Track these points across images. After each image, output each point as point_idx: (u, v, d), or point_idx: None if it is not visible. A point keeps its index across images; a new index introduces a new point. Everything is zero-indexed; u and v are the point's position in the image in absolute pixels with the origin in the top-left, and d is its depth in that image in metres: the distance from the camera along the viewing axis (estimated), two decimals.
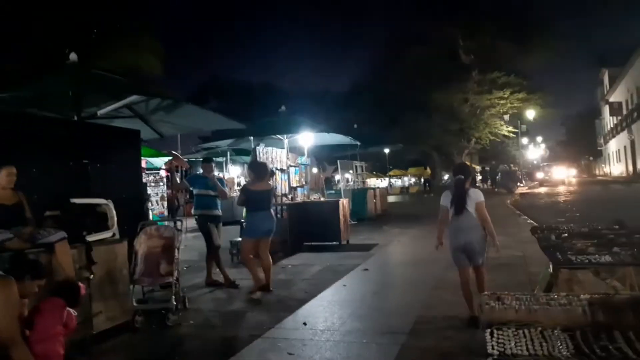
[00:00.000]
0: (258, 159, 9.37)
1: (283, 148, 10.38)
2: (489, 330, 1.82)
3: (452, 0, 39.33)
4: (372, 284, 6.19)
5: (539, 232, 3.60)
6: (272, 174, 7.30)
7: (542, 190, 27.29)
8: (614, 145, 49.44)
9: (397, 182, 56.66)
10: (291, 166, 10.51)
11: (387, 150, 42.65)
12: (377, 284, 6.17)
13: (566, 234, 3.42)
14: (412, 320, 4.42)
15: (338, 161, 14.22)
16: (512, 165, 44.54)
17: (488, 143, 40.80)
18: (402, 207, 22.44)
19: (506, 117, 38.50)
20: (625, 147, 43.07)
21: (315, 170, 13.46)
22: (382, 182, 54.08)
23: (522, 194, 24.80)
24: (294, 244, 8.99)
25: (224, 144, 12.46)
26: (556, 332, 1.79)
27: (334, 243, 9.36)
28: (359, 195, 14.12)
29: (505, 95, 37.47)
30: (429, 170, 48.60)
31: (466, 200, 4.20)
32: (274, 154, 9.82)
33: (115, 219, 4.55)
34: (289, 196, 10.08)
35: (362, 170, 15.80)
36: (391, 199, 33.22)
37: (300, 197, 10.73)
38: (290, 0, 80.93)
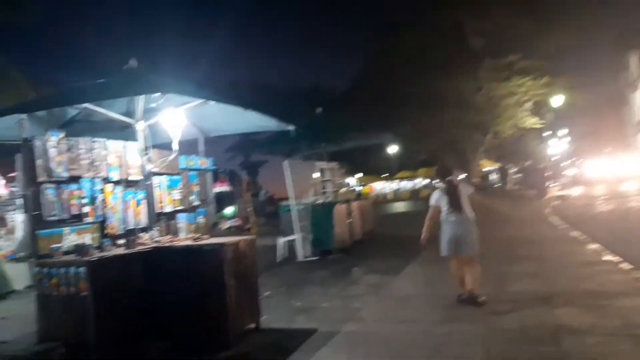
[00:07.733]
0: (36, 160, 4.40)
1: (135, 140, 5.33)
2: None
3: None
4: None
5: None
6: None
7: (584, 191, 21.66)
8: None
9: (408, 185, 51.30)
10: (155, 174, 5.47)
11: (392, 150, 37.53)
12: None
13: None
14: None
15: (287, 161, 9.12)
16: (532, 161, 39.12)
17: (509, 136, 35.48)
18: (402, 220, 17.09)
19: (527, 105, 32.92)
20: None
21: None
22: (390, 186, 49.16)
23: (558, 198, 19.27)
24: (116, 351, 3.97)
25: None
26: None
27: (221, 340, 4.28)
28: (321, 215, 8.94)
29: (526, 82, 31.99)
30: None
31: (461, 198, 4.80)
32: (96, 153, 4.82)
33: None
34: (145, 236, 4.98)
35: (333, 175, 10.66)
36: (397, 206, 27.95)
37: (187, 233, 5.69)
38: None
